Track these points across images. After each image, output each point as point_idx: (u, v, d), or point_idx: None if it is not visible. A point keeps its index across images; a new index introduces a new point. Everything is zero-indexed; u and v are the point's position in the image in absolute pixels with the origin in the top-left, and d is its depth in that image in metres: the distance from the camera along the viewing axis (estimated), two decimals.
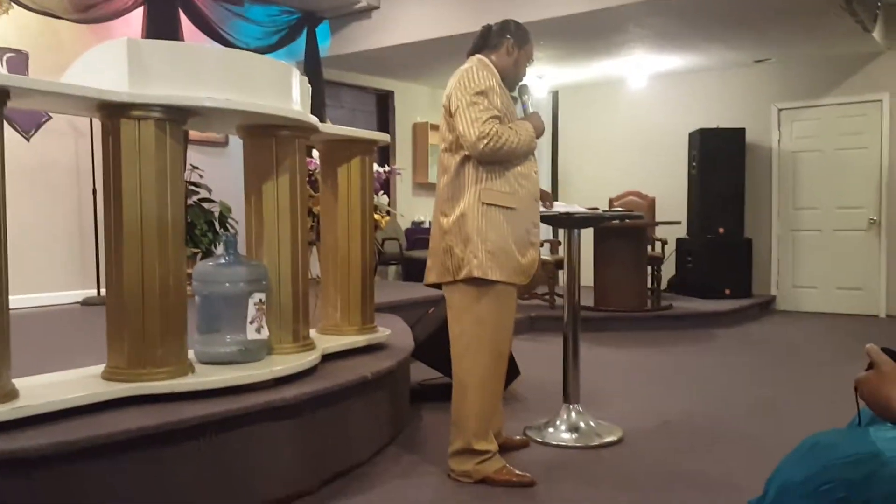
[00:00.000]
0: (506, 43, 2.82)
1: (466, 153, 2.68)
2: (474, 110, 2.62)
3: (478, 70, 2.70)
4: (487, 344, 2.71)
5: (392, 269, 8.28)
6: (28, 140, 5.38)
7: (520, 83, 2.92)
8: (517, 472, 2.73)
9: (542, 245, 6.85)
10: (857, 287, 7.48)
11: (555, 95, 9.31)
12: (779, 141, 7.87)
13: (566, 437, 3.22)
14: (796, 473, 1.31)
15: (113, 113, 2.31)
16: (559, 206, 3.24)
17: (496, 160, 2.67)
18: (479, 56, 2.81)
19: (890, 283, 7.30)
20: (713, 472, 2.85)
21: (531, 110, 2.88)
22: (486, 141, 2.58)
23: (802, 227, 7.79)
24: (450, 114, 2.72)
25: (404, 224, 8.15)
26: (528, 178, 2.77)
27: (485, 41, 2.84)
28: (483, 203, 2.67)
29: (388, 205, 5.67)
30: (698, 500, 2.58)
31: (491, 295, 2.69)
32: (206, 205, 6.04)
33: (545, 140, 9.37)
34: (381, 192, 5.50)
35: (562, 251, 6.60)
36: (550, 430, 3.27)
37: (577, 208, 3.24)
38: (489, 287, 2.67)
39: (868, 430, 1.30)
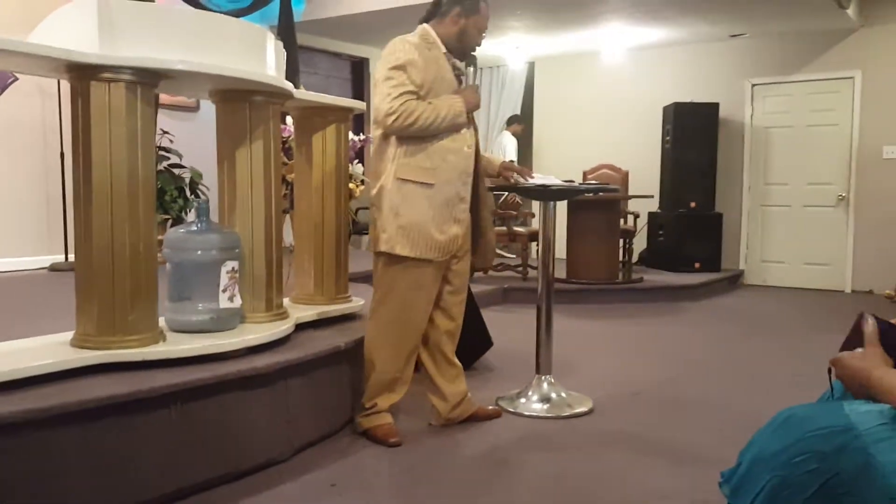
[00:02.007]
0: (452, 11, 2.80)
1: None
2: (387, 86, 2.65)
3: (401, 43, 2.71)
4: (394, 312, 2.79)
5: (365, 238, 8.23)
6: None
7: (471, 53, 2.89)
8: (392, 434, 2.80)
9: (515, 217, 6.86)
10: (824, 262, 7.63)
11: (531, 66, 9.26)
12: (751, 116, 7.93)
13: (538, 407, 3.25)
14: (770, 445, 1.33)
15: (82, 75, 2.24)
16: (537, 178, 3.24)
17: (409, 136, 2.69)
18: (423, 25, 2.83)
19: (856, 258, 7.45)
20: (681, 442, 2.91)
21: (472, 83, 2.86)
22: (393, 117, 2.62)
23: (772, 202, 7.89)
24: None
25: None
26: (456, 153, 2.77)
27: (435, 9, 2.84)
28: (398, 178, 2.71)
29: (363, 174, 5.62)
30: (667, 469, 2.63)
31: (400, 269, 2.75)
32: (176, 171, 5.95)
33: (522, 111, 9.34)
34: (356, 160, 5.45)
35: (535, 223, 6.62)
36: (522, 400, 3.31)
37: (554, 180, 3.24)
38: (399, 261, 2.74)
39: (842, 404, 1.33)
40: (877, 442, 1.23)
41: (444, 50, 2.80)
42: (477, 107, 2.83)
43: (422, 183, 2.71)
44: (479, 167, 2.92)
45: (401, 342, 2.82)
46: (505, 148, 8.72)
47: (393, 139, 2.73)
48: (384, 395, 2.85)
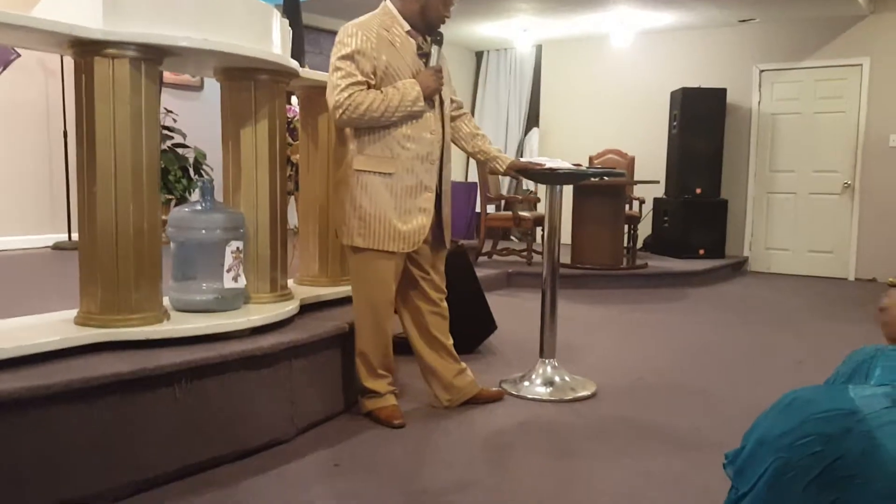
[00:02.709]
0: None
1: None
2: (335, 76, 2.59)
3: (351, 29, 2.62)
4: (363, 300, 2.78)
5: None
6: None
7: (437, 30, 2.76)
8: (396, 416, 2.81)
9: (521, 201, 6.84)
10: (828, 250, 7.60)
11: (538, 49, 9.20)
12: (759, 102, 7.88)
13: (541, 390, 3.25)
14: (774, 427, 1.32)
15: (86, 50, 2.22)
16: (543, 160, 3.21)
17: (360, 126, 2.63)
18: (385, 2, 2.73)
19: (860, 246, 7.42)
20: (683, 426, 2.91)
21: (435, 63, 2.72)
22: (340, 111, 2.57)
23: (778, 189, 7.86)
24: None
25: None
26: (416, 140, 2.69)
27: None
28: (356, 170, 2.67)
29: None
30: (668, 453, 2.62)
31: (362, 259, 2.73)
32: (180, 150, 5.94)
33: (525, 95, 9.28)
34: None
35: (540, 208, 6.58)
36: (526, 383, 3.30)
37: (562, 163, 3.21)
38: (361, 252, 2.72)
39: (847, 388, 1.32)
40: (882, 426, 1.22)
41: (406, 28, 2.69)
42: (436, 91, 2.71)
43: (380, 173, 2.65)
44: (447, 153, 2.84)
45: (375, 327, 2.80)
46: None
47: (349, 130, 2.67)
48: (376, 380, 2.84)
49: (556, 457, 2.59)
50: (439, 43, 2.75)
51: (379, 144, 2.65)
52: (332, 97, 2.59)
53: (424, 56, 2.73)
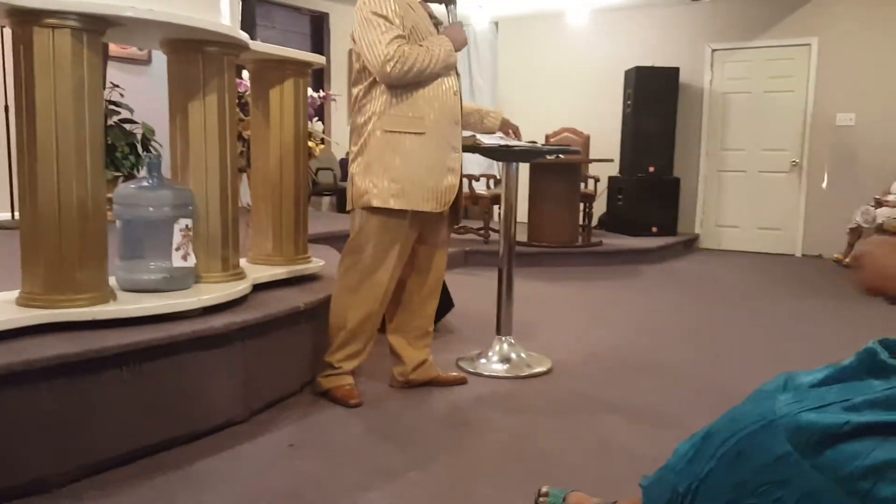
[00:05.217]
0: None
1: (370, 82, 2.64)
2: (375, 32, 2.55)
3: None
4: (366, 273, 2.74)
5: (326, 199, 8.14)
6: None
7: None
8: (353, 395, 2.78)
9: (478, 179, 6.83)
10: (776, 227, 7.77)
11: (495, 26, 9.15)
12: (711, 81, 7.97)
13: (497, 367, 3.26)
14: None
15: (24, 20, 2.13)
16: (499, 138, 3.19)
17: (405, 83, 2.61)
18: None
19: (807, 223, 7.61)
20: (637, 401, 2.94)
21: (456, 20, 2.79)
22: (392, 63, 2.53)
23: (728, 167, 7.99)
24: (353, 41, 2.65)
25: (339, 153, 7.98)
26: (440, 101, 2.70)
27: None
28: (386, 131, 2.63)
29: (323, 132, 5.51)
30: (622, 427, 2.66)
31: (382, 223, 2.69)
32: (127, 126, 5.76)
33: (488, 73, 9.24)
34: (316, 118, 5.35)
35: (498, 186, 6.58)
36: (482, 361, 3.31)
37: (517, 141, 3.20)
38: (384, 215, 2.67)
39: (779, 427, 1.34)
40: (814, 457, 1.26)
41: None
42: (464, 44, 2.76)
43: (412, 133, 2.64)
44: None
45: (372, 302, 2.77)
46: None
47: (375, 92, 2.64)
48: (350, 360, 2.82)
49: (514, 432, 2.60)
50: (454, 1, 2.79)
51: (407, 105, 2.63)
52: (376, 51, 2.53)
53: (435, 26, 2.75)
